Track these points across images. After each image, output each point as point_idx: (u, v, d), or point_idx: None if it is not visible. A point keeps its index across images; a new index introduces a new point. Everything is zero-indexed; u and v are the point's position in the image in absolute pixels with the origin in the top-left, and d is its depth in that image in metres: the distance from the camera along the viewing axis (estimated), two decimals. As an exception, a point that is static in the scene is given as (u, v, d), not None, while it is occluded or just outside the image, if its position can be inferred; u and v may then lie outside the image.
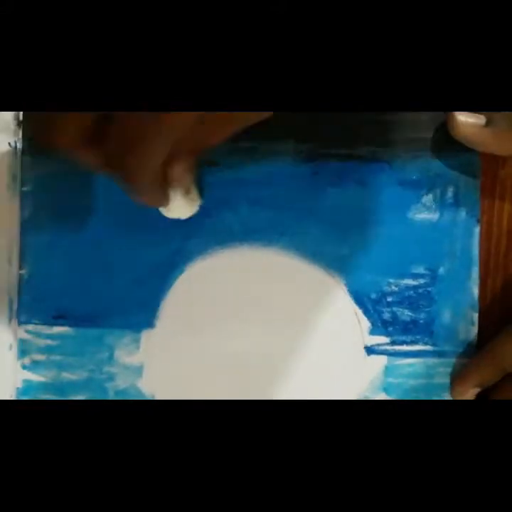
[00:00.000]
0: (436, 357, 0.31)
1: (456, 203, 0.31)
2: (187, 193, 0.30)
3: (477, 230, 0.31)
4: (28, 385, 0.31)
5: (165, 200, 0.29)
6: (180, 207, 0.30)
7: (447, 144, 0.31)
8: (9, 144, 0.31)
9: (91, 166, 0.26)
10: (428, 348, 0.31)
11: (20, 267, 0.31)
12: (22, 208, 0.31)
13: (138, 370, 0.31)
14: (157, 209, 0.30)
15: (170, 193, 0.29)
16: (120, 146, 0.24)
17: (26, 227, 0.31)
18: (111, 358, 0.31)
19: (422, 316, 0.31)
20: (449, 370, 0.31)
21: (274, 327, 0.31)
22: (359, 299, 0.31)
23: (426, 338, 0.31)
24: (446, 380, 0.31)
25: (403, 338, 0.31)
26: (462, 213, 0.31)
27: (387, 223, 0.31)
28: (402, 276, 0.31)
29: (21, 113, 0.31)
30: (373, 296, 0.31)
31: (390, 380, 0.31)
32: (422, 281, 0.31)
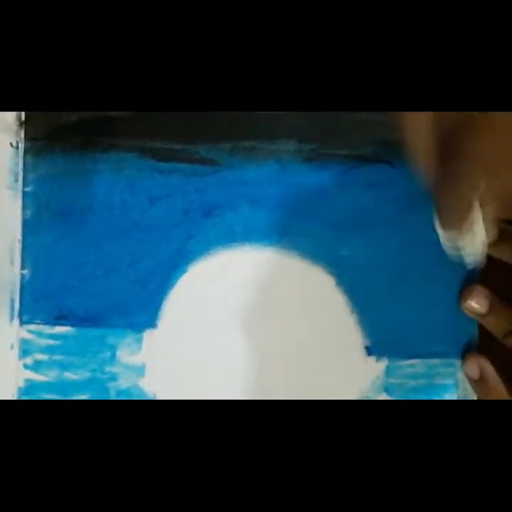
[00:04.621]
0: (437, 357, 0.31)
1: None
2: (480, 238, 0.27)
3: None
4: (30, 385, 0.31)
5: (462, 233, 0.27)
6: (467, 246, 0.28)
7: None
8: (11, 144, 0.31)
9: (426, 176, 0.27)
10: (429, 348, 0.31)
11: (22, 267, 0.31)
12: (24, 208, 0.31)
13: (140, 370, 0.31)
14: (159, 211, 0.31)
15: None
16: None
17: (28, 227, 0.31)
18: (113, 357, 0.31)
19: (423, 315, 0.31)
20: (450, 370, 0.31)
21: (275, 327, 0.31)
22: (359, 299, 0.31)
23: (427, 338, 0.31)
24: (447, 381, 0.31)
25: (404, 338, 0.31)
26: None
27: (387, 223, 0.31)
28: (403, 276, 0.31)
29: (23, 113, 0.32)
30: (373, 296, 0.31)
31: (391, 380, 0.31)
32: (422, 281, 0.31)
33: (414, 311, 0.31)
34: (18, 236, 0.31)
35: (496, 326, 0.30)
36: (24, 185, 0.32)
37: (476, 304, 0.30)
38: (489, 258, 0.29)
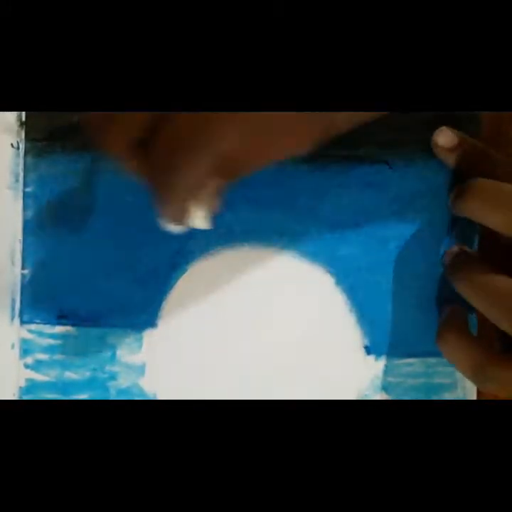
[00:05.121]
0: (436, 356, 0.31)
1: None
2: (207, 212, 0.27)
3: (477, 229, 0.31)
4: (31, 385, 0.31)
5: (186, 217, 0.27)
6: (195, 223, 0.27)
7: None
8: (12, 144, 0.31)
9: (135, 175, 0.26)
10: (428, 347, 0.31)
11: (23, 267, 0.31)
12: (24, 208, 0.32)
13: (140, 370, 0.31)
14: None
15: (191, 211, 0.27)
16: (163, 158, 0.24)
17: (29, 227, 0.31)
18: (113, 357, 0.31)
19: (422, 315, 0.31)
20: (449, 369, 0.31)
21: (275, 327, 0.31)
22: (359, 298, 0.31)
23: (426, 338, 0.31)
24: (446, 380, 0.31)
25: (403, 337, 0.31)
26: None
27: (386, 223, 0.31)
28: (402, 276, 0.31)
29: (24, 113, 0.32)
30: (373, 296, 0.31)
31: (390, 379, 0.31)
32: (421, 281, 0.31)
33: (413, 310, 0.31)
34: (19, 236, 0.31)
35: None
36: (25, 185, 0.32)
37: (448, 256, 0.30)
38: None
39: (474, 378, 0.28)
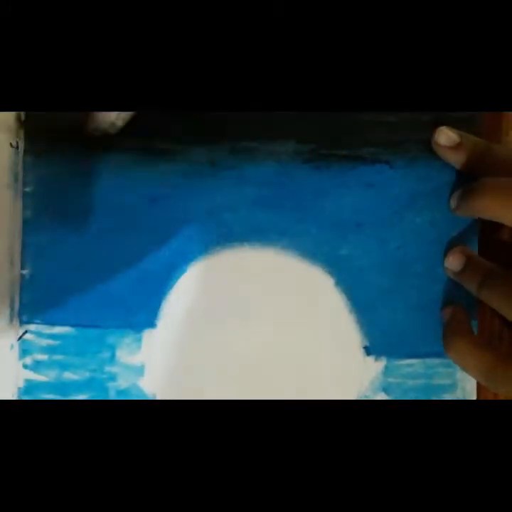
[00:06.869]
0: (436, 357, 0.31)
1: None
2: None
3: (477, 230, 0.31)
4: (30, 385, 0.31)
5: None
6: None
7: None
8: (11, 144, 0.31)
9: None
10: (428, 348, 0.31)
11: (22, 267, 0.31)
12: (24, 208, 0.31)
13: (139, 370, 0.31)
14: (159, 211, 0.31)
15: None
16: None
17: (28, 227, 0.31)
18: (112, 357, 0.31)
19: (422, 315, 0.31)
20: (449, 370, 0.31)
21: (275, 327, 0.31)
22: (359, 299, 0.31)
23: (425, 338, 0.31)
24: (446, 381, 0.31)
25: (402, 337, 0.31)
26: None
27: (386, 223, 0.31)
28: (402, 276, 0.31)
29: (23, 113, 0.32)
30: (373, 296, 0.31)
31: (390, 380, 0.31)
32: (422, 281, 0.31)
33: (413, 311, 0.31)
34: (18, 236, 0.31)
35: (469, 281, 0.30)
36: (24, 185, 0.32)
37: (451, 262, 0.30)
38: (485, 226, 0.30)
39: (488, 383, 0.28)
